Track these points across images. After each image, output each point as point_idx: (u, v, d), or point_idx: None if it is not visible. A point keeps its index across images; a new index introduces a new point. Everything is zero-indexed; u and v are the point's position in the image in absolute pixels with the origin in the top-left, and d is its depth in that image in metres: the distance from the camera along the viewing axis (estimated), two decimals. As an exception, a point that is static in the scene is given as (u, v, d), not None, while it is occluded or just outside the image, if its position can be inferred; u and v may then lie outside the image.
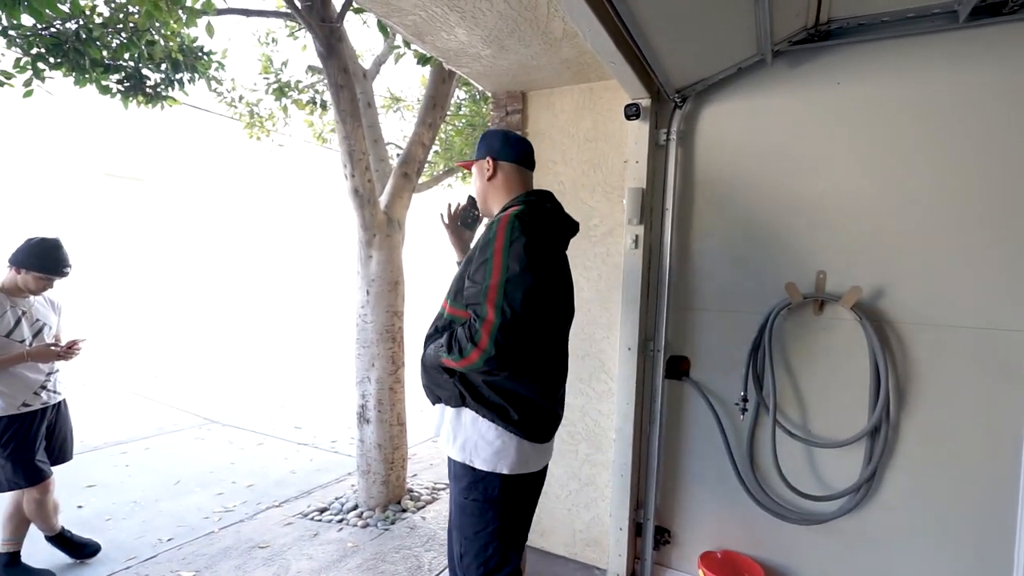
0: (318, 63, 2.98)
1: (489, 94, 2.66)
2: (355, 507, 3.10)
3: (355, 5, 2.69)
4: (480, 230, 1.63)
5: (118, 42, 3.22)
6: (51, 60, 3.09)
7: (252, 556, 2.60)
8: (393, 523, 2.93)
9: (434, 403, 1.51)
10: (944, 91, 1.74)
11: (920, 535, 1.85)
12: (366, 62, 3.77)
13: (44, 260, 2.27)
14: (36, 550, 2.46)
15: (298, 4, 2.62)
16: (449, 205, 1.83)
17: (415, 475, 3.65)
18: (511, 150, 1.55)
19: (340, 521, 2.97)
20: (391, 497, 3.09)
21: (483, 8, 1.75)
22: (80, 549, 2.55)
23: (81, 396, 5.61)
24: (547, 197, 1.52)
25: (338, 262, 12.31)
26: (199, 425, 4.91)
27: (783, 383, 2.03)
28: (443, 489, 3.42)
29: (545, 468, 1.56)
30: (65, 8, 2.92)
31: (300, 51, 4.89)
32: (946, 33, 1.73)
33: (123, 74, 3.44)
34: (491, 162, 1.55)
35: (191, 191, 10.21)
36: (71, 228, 7.95)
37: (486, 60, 2.17)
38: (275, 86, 4.67)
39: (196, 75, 3.72)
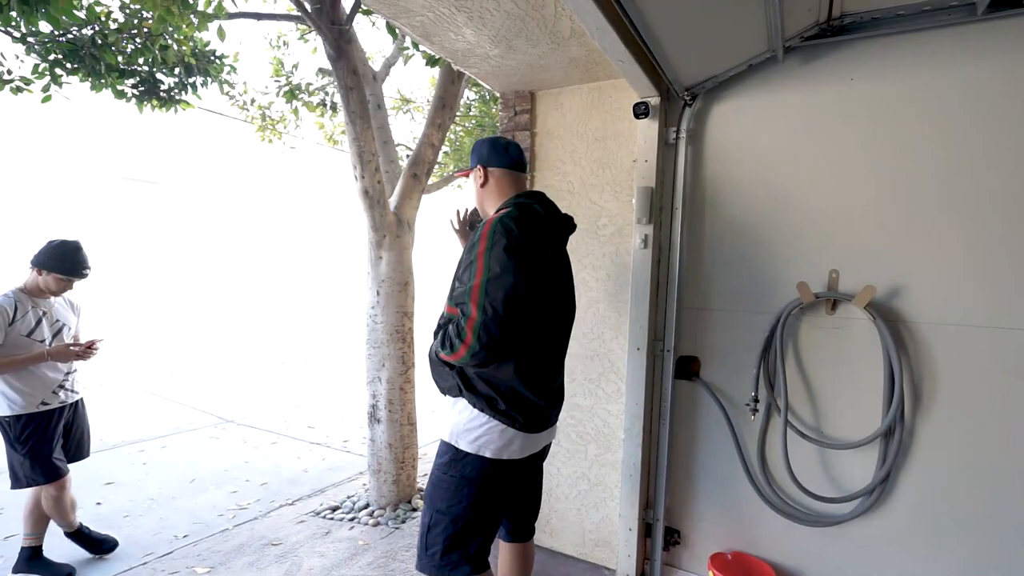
0: (328, 65, 3.00)
1: (498, 94, 2.66)
2: (366, 506, 3.12)
3: (363, 7, 2.71)
4: None
5: (132, 47, 3.28)
6: (68, 66, 3.16)
7: (265, 553, 2.63)
8: (403, 522, 2.94)
9: (443, 394, 1.60)
10: (961, 86, 1.70)
11: (935, 539, 1.81)
12: (376, 64, 3.79)
13: (64, 262, 2.32)
14: (57, 545, 2.51)
15: (307, 7, 2.65)
16: (458, 212, 1.91)
17: (425, 474, 3.66)
18: (500, 156, 1.63)
19: (351, 519, 2.99)
20: (402, 496, 3.11)
21: (490, 8, 1.74)
22: (98, 545, 2.60)
23: (100, 395, 5.73)
24: (537, 198, 1.57)
25: (350, 263, 12.41)
26: (214, 424, 4.98)
27: (795, 383, 2.00)
28: (453, 488, 3.43)
29: (534, 462, 1.62)
30: (81, 14, 2.99)
31: (311, 54, 4.94)
32: (964, 26, 1.68)
33: (138, 79, 3.50)
34: (482, 170, 1.63)
35: (205, 194, 10.36)
36: (90, 230, 8.10)
37: (494, 60, 2.17)
38: (286, 89, 4.72)
39: (209, 79, 3.78)
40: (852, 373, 1.90)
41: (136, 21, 3.20)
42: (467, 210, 1.89)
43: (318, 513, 3.09)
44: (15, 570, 2.38)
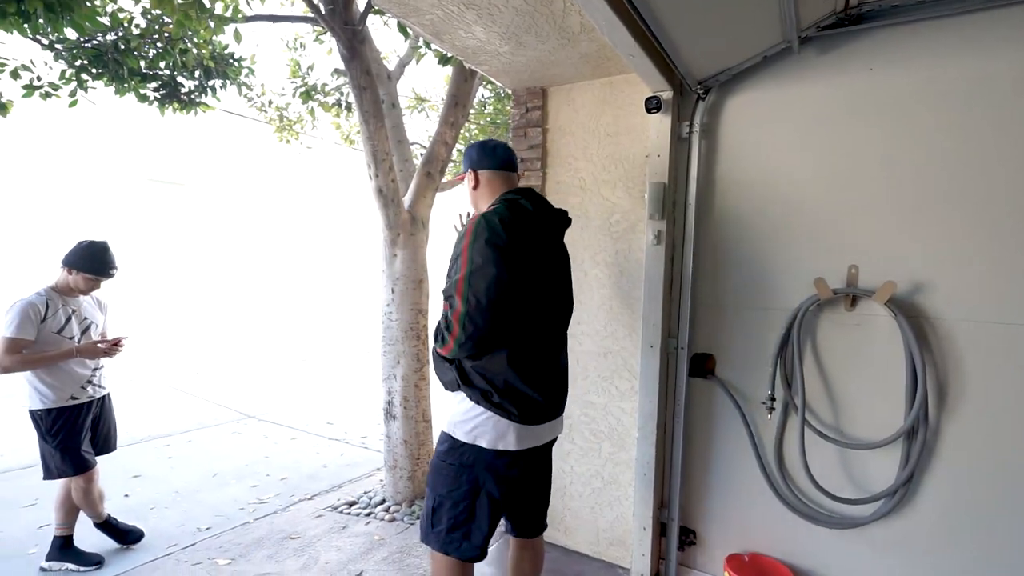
0: (343, 66, 3.03)
1: (510, 91, 2.66)
2: (382, 501, 3.16)
3: (374, 7, 2.73)
4: None
5: (154, 52, 3.37)
6: (93, 71, 3.26)
7: (284, 546, 2.69)
8: (418, 518, 2.97)
9: (445, 389, 1.64)
10: (986, 75, 1.64)
11: (959, 542, 1.76)
12: (391, 63, 3.82)
13: (92, 262, 2.40)
14: (87, 534, 2.60)
15: (321, 8, 2.68)
16: (460, 216, 1.98)
17: (441, 470, 3.69)
18: (489, 159, 1.68)
19: (368, 515, 3.03)
20: (417, 492, 3.14)
21: (499, 5, 1.74)
22: (125, 535, 2.69)
23: (127, 391, 5.91)
24: (525, 194, 1.60)
25: (367, 261, 12.55)
26: (237, 420, 5.10)
27: (812, 381, 1.96)
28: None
29: (537, 456, 1.64)
30: (105, 21, 3.07)
31: (326, 55, 4.99)
32: (989, 12, 1.62)
33: (159, 82, 3.59)
34: (473, 173, 1.69)
35: (227, 194, 10.58)
36: (118, 231, 8.36)
37: (504, 57, 2.17)
38: (302, 89, 4.78)
39: (227, 81, 3.85)
40: (872, 371, 1.85)
41: (157, 26, 3.28)
42: (469, 213, 1.92)
43: (336, 508, 3.14)
44: (48, 558, 2.47)
